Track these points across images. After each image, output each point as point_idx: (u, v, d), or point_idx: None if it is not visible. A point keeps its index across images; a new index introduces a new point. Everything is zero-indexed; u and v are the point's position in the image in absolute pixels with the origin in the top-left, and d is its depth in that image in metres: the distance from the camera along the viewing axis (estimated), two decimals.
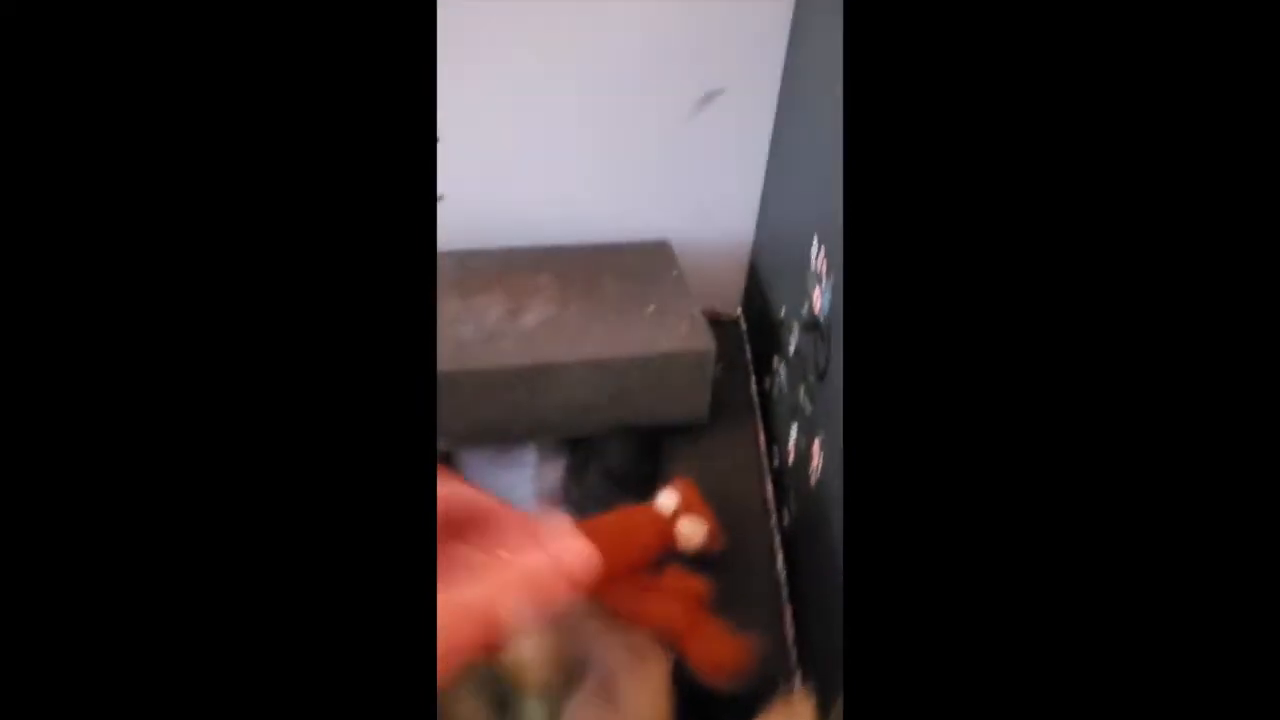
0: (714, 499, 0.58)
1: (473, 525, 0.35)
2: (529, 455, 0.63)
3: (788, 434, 0.61)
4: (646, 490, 0.58)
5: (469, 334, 0.59)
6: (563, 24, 0.65)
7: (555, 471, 0.63)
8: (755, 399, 0.70)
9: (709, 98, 0.68)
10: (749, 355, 0.74)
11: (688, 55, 0.67)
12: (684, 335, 0.60)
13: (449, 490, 0.34)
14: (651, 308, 0.63)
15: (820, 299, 0.53)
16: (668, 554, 0.52)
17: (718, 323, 0.78)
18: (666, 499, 0.54)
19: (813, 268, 0.55)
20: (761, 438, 0.67)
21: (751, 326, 0.77)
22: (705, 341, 0.60)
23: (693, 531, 0.53)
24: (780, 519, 0.61)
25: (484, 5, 0.63)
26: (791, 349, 0.61)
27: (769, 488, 0.63)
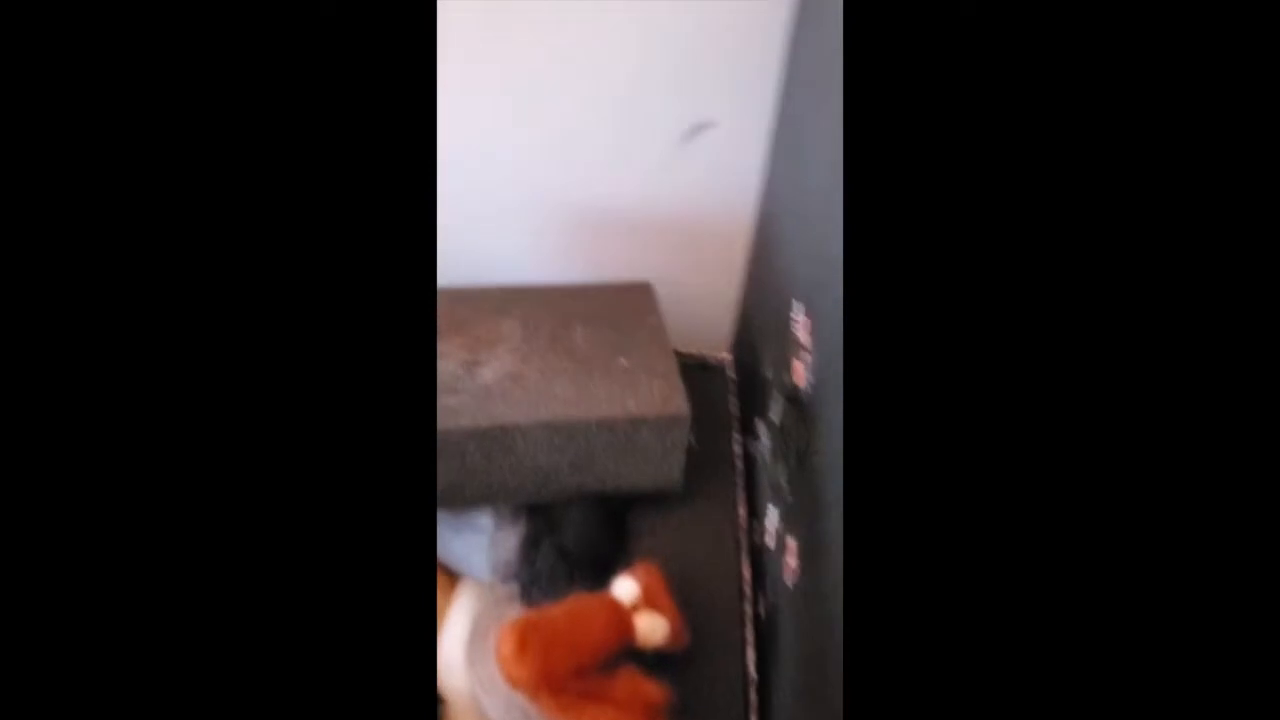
0: (684, 577, 0.53)
1: None
2: (484, 520, 0.58)
3: (766, 511, 0.55)
4: (607, 568, 0.53)
5: None
6: (546, 46, 0.60)
7: (512, 540, 0.58)
8: (739, 460, 0.64)
9: (698, 129, 0.62)
10: (734, 407, 0.69)
11: (676, 86, 0.62)
12: (656, 398, 0.54)
13: None
14: (623, 361, 0.58)
15: (803, 371, 0.47)
16: (623, 649, 0.47)
17: (704, 368, 0.73)
18: (626, 589, 0.49)
19: (793, 331, 0.49)
20: (742, 508, 0.61)
21: (740, 373, 0.72)
22: (679, 406, 0.54)
23: (653, 629, 0.48)
24: (756, 605, 0.56)
25: (462, 35, 0.58)
26: (774, 415, 0.55)
27: (745, 567, 0.57)
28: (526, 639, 0.42)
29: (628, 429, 0.54)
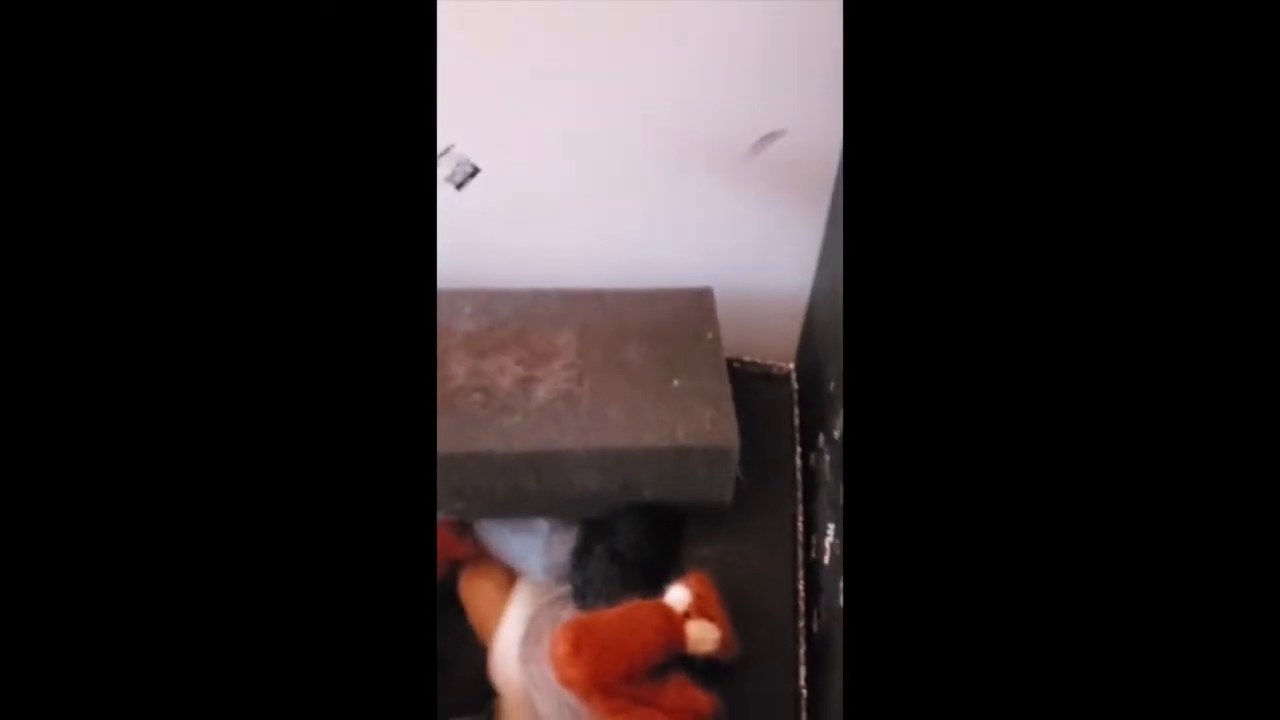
0: (736, 591, 0.54)
1: None
2: (541, 524, 0.61)
3: (825, 529, 0.56)
4: (660, 575, 0.55)
5: (478, 406, 0.56)
6: (612, 51, 0.63)
7: (566, 544, 0.60)
8: (798, 475, 0.64)
9: (769, 139, 0.63)
10: (796, 421, 0.69)
11: (748, 94, 0.63)
12: (706, 426, 0.55)
13: None
14: (677, 383, 0.59)
15: None
16: (674, 656, 0.49)
17: (767, 378, 0.73)
18: (678, 596, 0.51)
19: None
20: (800, 523, 0.61)
21: (804, 386, 0.72)
22: (728, 438, 0.55)
23: (703, 636, 0.49)
24: (809, 623, 0.56)
25: (531, 35, 0.61)
26: (838, 432, 0.55)
27: (800, 584, 0.58)
28: (580, 641, 0.44)
29: (675, 457, 0.55)
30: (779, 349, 0.76)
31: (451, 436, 0.53)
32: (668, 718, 0.46)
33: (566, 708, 0.47)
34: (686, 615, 0.50)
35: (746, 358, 0.74)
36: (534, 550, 0.60)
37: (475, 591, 0.63)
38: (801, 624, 0.56)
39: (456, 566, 0.65)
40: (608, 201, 0.71)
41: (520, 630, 0.55)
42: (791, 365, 0.75)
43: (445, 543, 0.63)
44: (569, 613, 0.53)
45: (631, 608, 0.49)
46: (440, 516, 0.59)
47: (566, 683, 0.45)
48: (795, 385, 0.73)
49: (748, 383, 0.58)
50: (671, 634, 0.48)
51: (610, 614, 0.48)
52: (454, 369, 0.59)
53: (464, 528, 0.63)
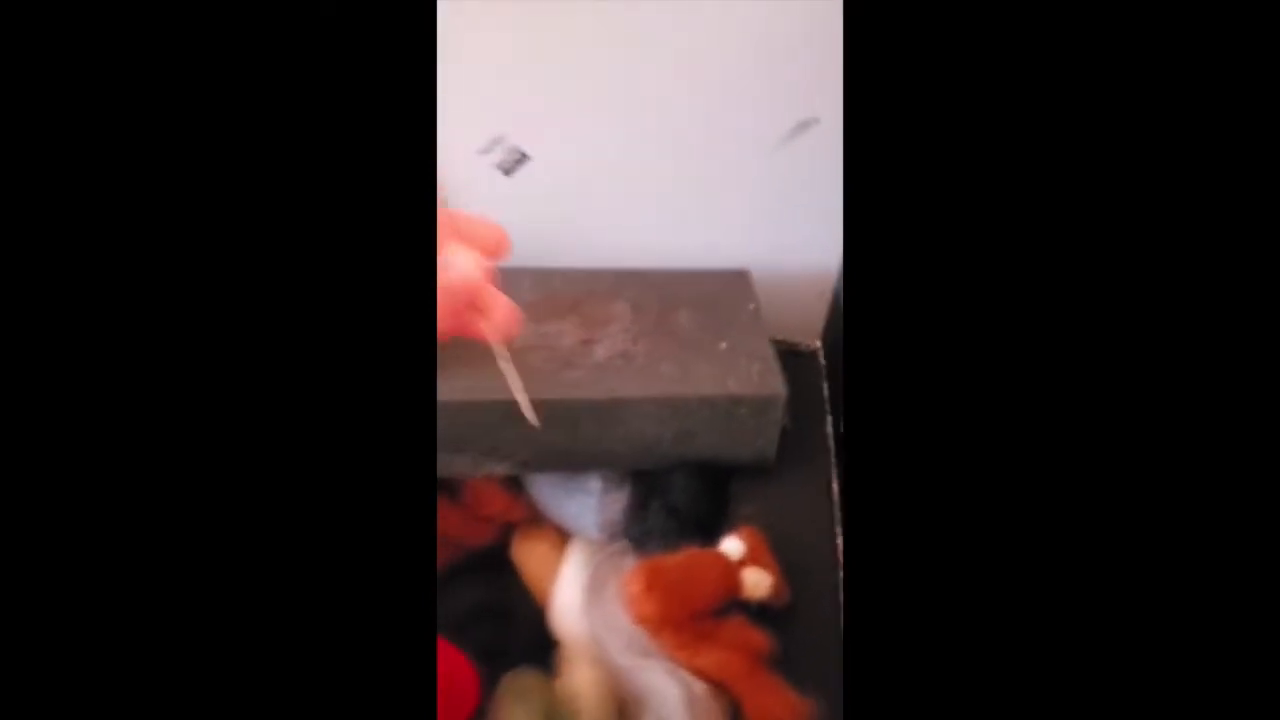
0: (780, 546, 0.59)
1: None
2: (594, 483, 0.66)
3: None
4: (710, 530, 0.60)
5: (541, 362, 0.61)
6: (655, 41, 0.67)
7: (618, 501, 0.65)
8: (830, 442, 0.70)
9: (802, 127, 0.68)
10: (826, 393, 0.74)
11: (782, 82, 0.67)
12: (755, 379, 0.61)
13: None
14: (724, 345, 0.64)
15: None
16: (731, 602, 0.54)
17: (795, 354, 0.78)
18: (733, 546, 0.56)
19: None
20: (835, 485, 0.67)
21: (831, 362, 0.77)
22: (776, 387, 0.60)
23: (758, 582, 0.54)
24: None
25: (578, 19, 0.65)
26: None
27: (838, 540, 0.63)
28: (653, 581, 0.49)
29: (728, 406, 0.61)
30: (806, 328, 0.81)
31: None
32: (729, 653, 0.50)
33: (635, 646, 0.52)
34: (741, 564, 0.54)
35: (776, 336, 0.79)
36: (588, 509, 0.65)
37: (530, 552, 0.67)
38: (840, 576, 0.61)
39: (510, 529, 0.69)
40: (641, 186, 0.76)
41: (582, 582, 0.59)
42: (818, 342, 0.80)
43: (501, 505, 0.68)
44: (630, 562, 0.57)
45: (694, 554, 0.53)
46: (504, 470, 0.63)
47: (640, 620, 0.49)
48: (823, 361, 0.78)
49: (778, 358, 0.63)
50: (730, 579, 0.53)
51: (677, 558, 0.52)
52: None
53: (519, 490, 0.68)
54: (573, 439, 0.61)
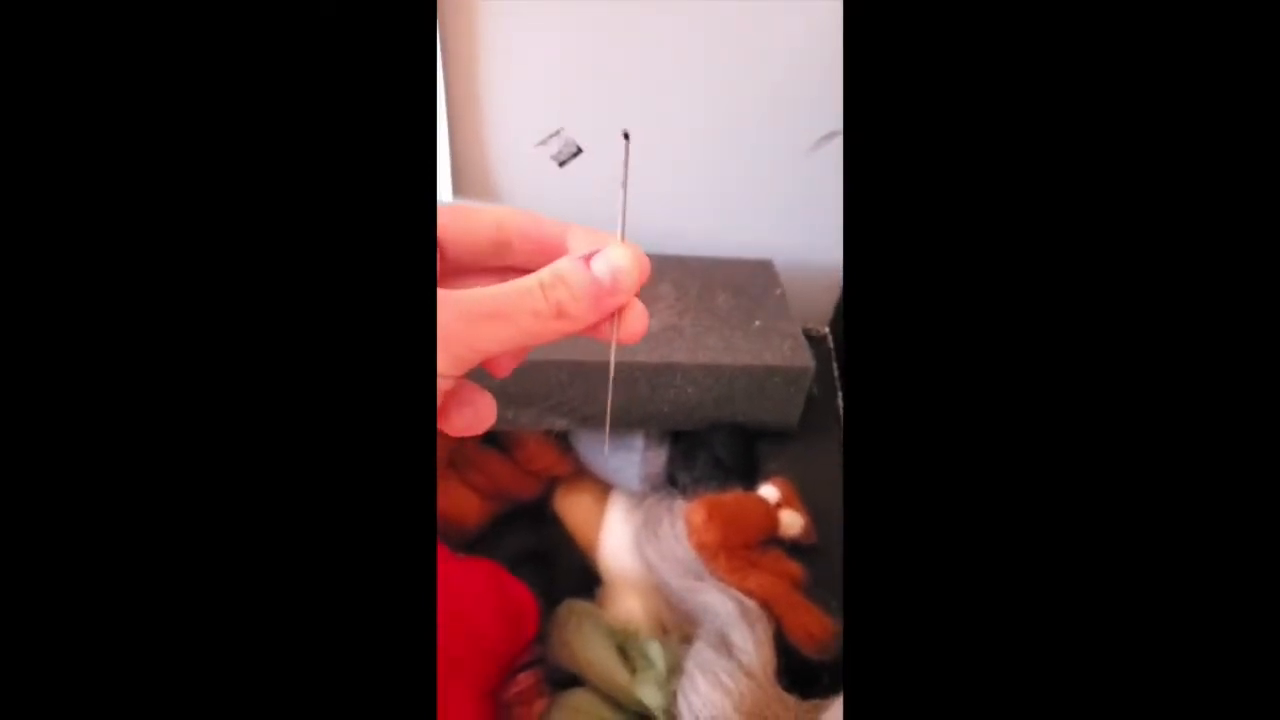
0: (801, 497, 0.70)
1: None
2: (637, 441, 0.75)
3: None
4: (748, 480, 0.70)
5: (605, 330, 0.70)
6: (700, 56, 0.77)
7: (660, 458, 0.74)
8: (840, 414, 0.81)
9: (828, 138, 0.79)
10: (836, 372, 0.86)
11: (810, 95, 0.79)
12: (787, 353, 0.71)
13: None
14: (758, 323, 0.75)
15: None
16: (769, 538, 0.64)
17: (808, 338, 0.89)
18: (769, 491, 0.66)
19: None
20: (844, 451, 0.78)
21: (840, 345, 0.89)
22: (806, 360, 0.71)
23: (792, 521, 0.64)
24: None
25: (623, 20, 0.75)
26: None
27: None
28: (713, 512, 0.59)
29: (764, 375, 0.71)
30: (817, 315, 0.92)
31: (587, 350, 0.67)
32: (771, 577, 0.60)
33: (689, 572, 0.61)
34: (778, 506, 0.65)
35: None
36: (631, 464, 0.74)
37: (574, 502, 0.76)
38: None
39: (555, 482, 0.78)
40: (678, 185, 0.86)
41: (631, 524, 0.69)
42: (827, 328, 0.91)
43: (549, 459, 0.76)
44: (680, 504, 0.67)
45: (741, 494, 0.64)
46: (564, 426, 0.72)
47: (700, 545, 0.59)
48: (831, 344, 0.90)
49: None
50: (771, 518, 0.63)
51: (728, 496, 0.62)
52: None
53: (566, 446, 0.77)
54: (629, 398, 0.70)
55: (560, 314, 0.25)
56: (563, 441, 0.76)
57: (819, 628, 0.59)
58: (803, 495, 0.70)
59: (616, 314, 0.27)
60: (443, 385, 0.24)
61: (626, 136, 0.27)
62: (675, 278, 0.79)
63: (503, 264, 0.28)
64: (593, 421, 0.73)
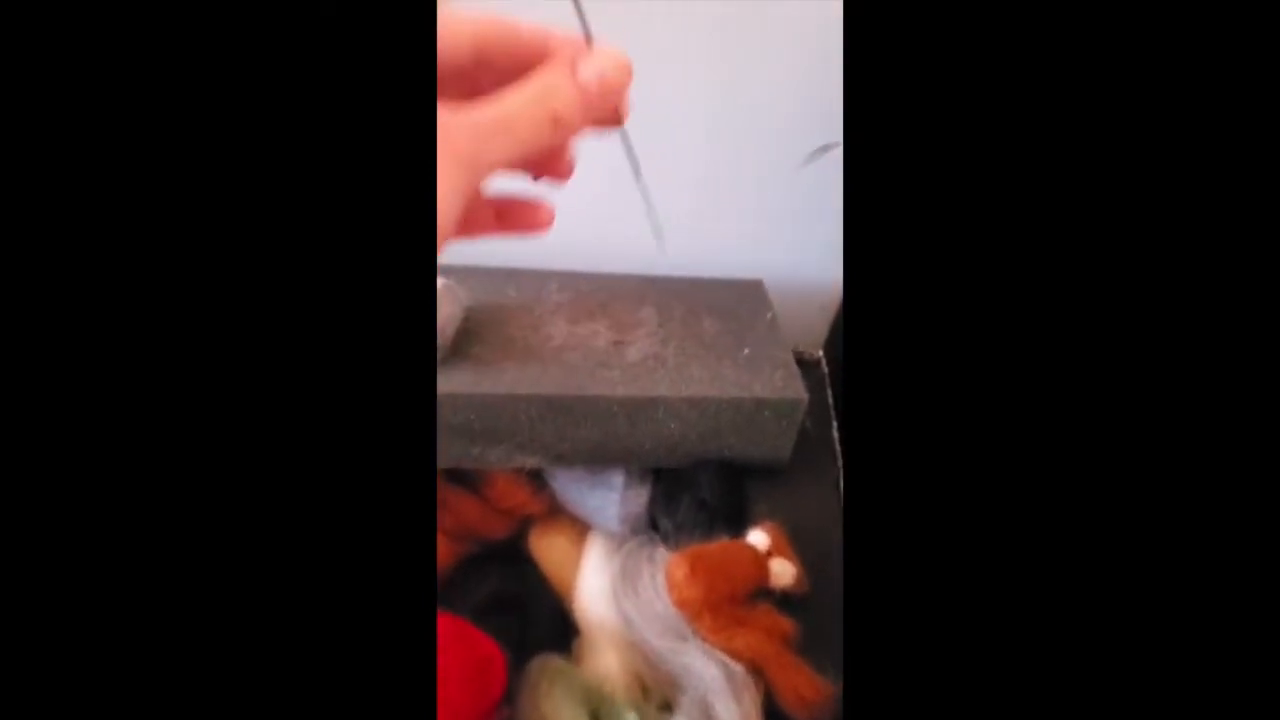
0: (793, 541, 0.65)
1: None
2: (616, 479, 0.70)
3: None
4: (735, 524, 0.65)
5: (579, 360, 0.66)
6: (686, 67, 0.73)
7: (640, 498, 0.70)
8: (836, 446, 0.76)
9: (822, 151, 0.75)
10: (830, 399, 0.81)
11: (803, 107, 0.74)
12: (778, 383, 0.67)
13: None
14: (746, 351, 0.70)
15: None
16: (758, 590, 0.59)
17: (800, 363, 0.85)
18: (759, 538, 0.61)
19: None
20: (841, 485, 0.73)
21: (835, 370, 0.84)
22: (798, 391, 0.67)
23: (783, 571, 0.60)
24: None
25: (610, 34, 0.70)
26: None
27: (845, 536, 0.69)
28: (696, 566, 0.54)
29: (753, 408, 0.66)
30: (810, 338, 0.88)
31: (560, 383, 0.63)
32: (760, 636, 0.56)
33: (670, 630, 0.56)
34: (768, 554, 0.60)
35: None
36: (610, 503, 0.69)
37: (549, 545, 0.71)
38: None
39: (528, 522, 0.73)
40: (659, 195, 0.81)
41: (612, 570, 0.64)
42: (820, 352, 0.87)
43: (520, 498, 0.71)
44: (661, 553, 0.62)
45: (728, 543, 0.59)
46: (535, 464, 0.67)
47: (683, 603, 0.54)
48: (825, 369, 0.85)
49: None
50: (760, 568, 0.58)
51: (714, 547, 0.58)
52: (553, 331, 0.67)
53: (540, 484, 0.72)
54: (606, 434, 0.66)
55: (556, 122, 0.26)
56: (536, 479, 0.71)
57: (812, 690, 0.55)
58: (795, 538, 0.65)
59: (621, 104, 0.29)
60: (456, 203, 0.24)
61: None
62: (658, 301, 0.74)
63: (482, 74, 0.28)
64: (566, 460, 0.68)
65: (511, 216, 0.31)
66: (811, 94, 0.74)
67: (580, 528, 0.72)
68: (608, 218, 0.84)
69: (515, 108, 0.25)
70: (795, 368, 0.69)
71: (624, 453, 0.68)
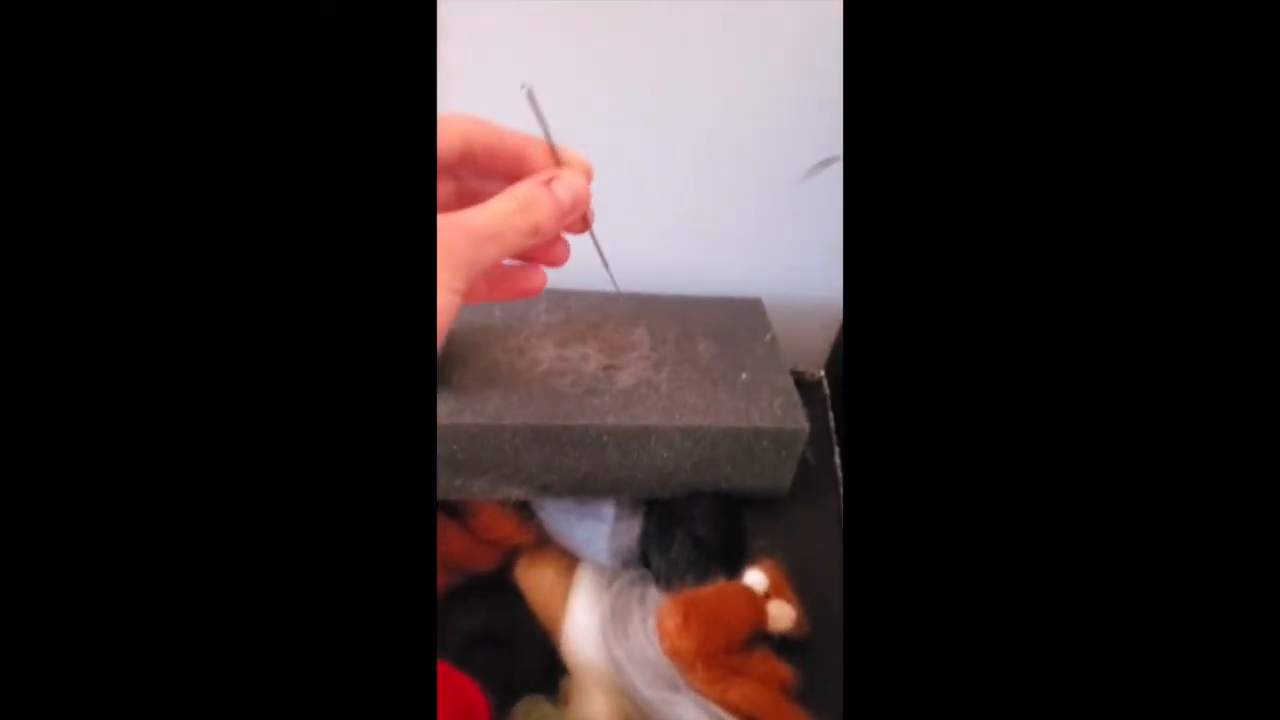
0: (793, 576, 0.62)
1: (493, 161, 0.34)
2: (606, 510, 0.67)
3: None
4: (732, 561, 0.62)
5: (568, 386, 0.63)
6: (681, 72, 0.69)
7: (632, 529, 0.67)
8: (838, 472, 0.73)
9: (823, 164, 0.72)
10: (832, 422, 0.78)
11: (803, 119, 0.71)
12: (777, 412, 0.64)
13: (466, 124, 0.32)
14: (744, 375, 0.67)
15: None
16: (756, 634, 0.56)
17: (800, 384, 0.82)
18: (756, 578, 0.58)
19: None
20: (843, 515, 0.70)
21: (836, 392, 0.81)
22: (798, 421, 0.63)
23: (782, 614, 0.57)
24: None
25: (606, 50, 0.67)
26: None
27: None
28: (689, 615, 0.51)
29: (750, 438, 0.63)
30: (811, 358, 0.85)
31: (547, 412, 0.60)
32: (757, 686, 0.53)
33: (661, 679, 0.54)
34: (766, 596, 0.57)
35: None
36: (600, 536, 0.66)
37: (537, 577, 0.68)
38: None
39: (515, 553, 0.70)
40: (654, 210, 0.78)
41: (601, 610, 0.61)
42: (822, 372, 0.84)
43: (507, 529, 0.68)
44: (653, 593, 0.59)
45: (723, 587, 0.56)
46: (522, 495, 0.64)
47: (676, 653, 0.51)
48: (827, 390, 0.82)
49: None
50: (757, 612, 0.55)
51: (708, 591, 0.55)
52: (540, 355, 0.64)
53: (527, 515, 0.69)
54: (595, 464, 0.63)
55: (536, 230, 0.31)
56: (523, 509, 0.68)
57: None
58: (794, 574, 0.62)
59: (588, 214, 0.35)
60: (456, 301, 0.28)
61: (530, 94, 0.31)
62: (651, 321, 0.71)
63: (465, 167, 0.33)
64: (553, 490, 0.65)
65: (507, 282, 0.36)
66: (815, 106, 0.71)
67: (569, 559, 0.69)
68: (600, 235, 0.81)
69: (503, 217, 0.29)
70: (796, 394, 0.66)
71: (614, 483, 0.65)
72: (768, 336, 0.72)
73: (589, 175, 0.34)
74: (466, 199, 0.32)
